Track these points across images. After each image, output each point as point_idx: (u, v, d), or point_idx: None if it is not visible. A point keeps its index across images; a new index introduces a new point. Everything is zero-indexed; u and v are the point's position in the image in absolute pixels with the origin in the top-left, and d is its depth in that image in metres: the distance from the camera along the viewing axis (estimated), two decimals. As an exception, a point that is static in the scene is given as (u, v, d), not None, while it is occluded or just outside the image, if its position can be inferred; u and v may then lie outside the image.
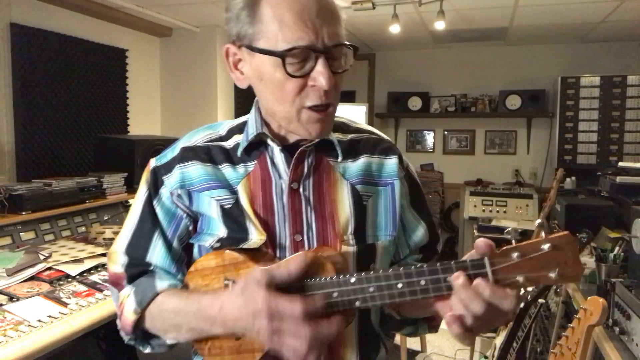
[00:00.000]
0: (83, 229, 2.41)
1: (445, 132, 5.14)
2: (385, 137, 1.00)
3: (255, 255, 0.82)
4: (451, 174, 5.09)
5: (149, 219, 0.89)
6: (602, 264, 1.77)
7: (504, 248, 0.65)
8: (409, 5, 3.37)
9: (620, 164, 2.90)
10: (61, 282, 1.78)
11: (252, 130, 0.88)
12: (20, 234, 2.14)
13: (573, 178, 3.14)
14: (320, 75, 0.77)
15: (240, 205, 0.85)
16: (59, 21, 3.01)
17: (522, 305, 1.90)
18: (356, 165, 0.91)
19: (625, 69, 4.27)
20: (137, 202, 0.92)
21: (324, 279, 0.73)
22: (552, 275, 0.63)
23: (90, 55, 3.20)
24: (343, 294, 0.71)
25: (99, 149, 3.00)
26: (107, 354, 2.14)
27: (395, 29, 3.53)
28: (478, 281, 0.65)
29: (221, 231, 0.85)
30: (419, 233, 0.96)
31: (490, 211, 4.49)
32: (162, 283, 0.85)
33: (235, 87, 4.37)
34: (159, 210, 0.89)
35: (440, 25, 3.40)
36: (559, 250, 0.63)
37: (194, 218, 0.89)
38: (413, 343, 3.31)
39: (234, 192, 0.86)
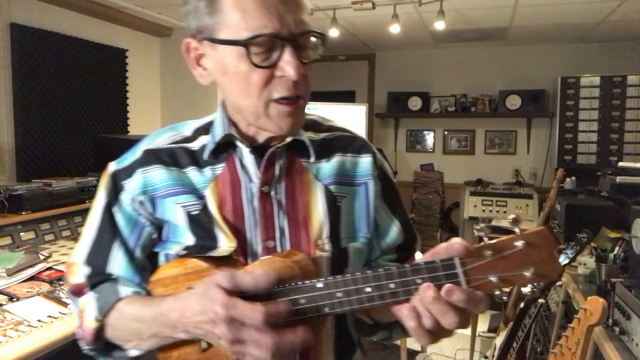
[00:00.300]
0: (83, 229, 2.41)
1: (445, 132, 5.14)
2: (359, 135, 0.95)
3: (222, 263, 0.77)
4: (451, 174, 5.09)
5: (108, 228, 0.83)
6: (602, 264, 1.77)
7: (475, 246, 0.62)
8: (409, 5, 3.37)
9: (620, 164, 2.90)
10: (61, 282, 1.78)
11: (219, 131, 0.83)
12: (20, 234, 2.14)
13: (573, 178, 3.15)
14: (287, 64, 0.73)
15: (208, 211, 0.80)
16: (59, 21, 3.01)
17: (522, 305, 1.90)
18: (329, 165, 0.86)
19: (625, 69, 4.27)
20: (96, 210, 0.86)
21: (291, 284, 0.69)
22: (527, 274, 0.60)
23: (90, 55, 3.20)
24: (311, 300, 0.67)
25: (99, 149, 3.00)
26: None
27: (395, 29, 3.53)
28: (450, 288, 0.61)
29: (188, 239, 0.80)
30: (393, 233, 0.90)
31: (490, 211, 4.49)
32: (125, 289, 0.80)
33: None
34: (119, 218, 0.83)
35: (440, 25, 3.40)
36: (533, 248, 0.60)
37: (158, 226, 0.84)
38: (413, 343, 3.31)
39: (201, 198, 0.81)
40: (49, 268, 1.87)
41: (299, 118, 0.79)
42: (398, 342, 3.00)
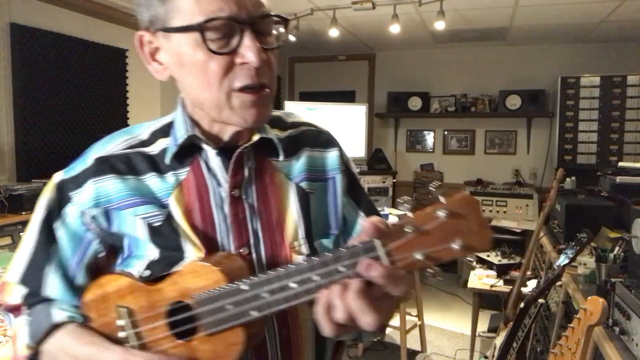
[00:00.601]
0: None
1: (445, 132, 5.14)
2: (324, 128, 0.91)
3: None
4: (451, 174, 5.09)
5: (45, 247, 0.76)
6: (602, 264, 1.77)
7: (395, 223, 0.56)
8: (409, 5, 3.37)
9: (620, 164, 2.90)
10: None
11: (181, 133, 0.76)
12: (20, 234, 2.14)
13: (573, 178, 3.14)
14: (248, 49, 0.67)
15: (173, 221, 0.74)
16: (59, 21, 3.01)
17: (522, 305, 1.90)
18: (298, 163, 0.82)
19: (625, 69, 4.27)
20: (33, 224, 0.78)
21: (214, 290, 0.65)
22: (456, 246, 0.53)
23: (90, 55, 3.20)
24: (237, 305, 0.63)
25: (99, 149, 3.00)
26: None
27: (395, 29, 3.53)
28: (369, 263, 0.55)
29: (152, 252, 0.74)
30: (359, 226, 0.86)
31: (490, 211, 4.49)
32: (59, 314, 0.75)
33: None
34: (60, 235, 0.76)
35: (440, 25, 3.40)
36: (458, 217, 0.53)
37: (113, 243, 0.77)
38: (413, 343, 3.31)
39: (163, 207, 0.74)
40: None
41: (265, 108, 0.73)
42: (398, 342, 3.00)
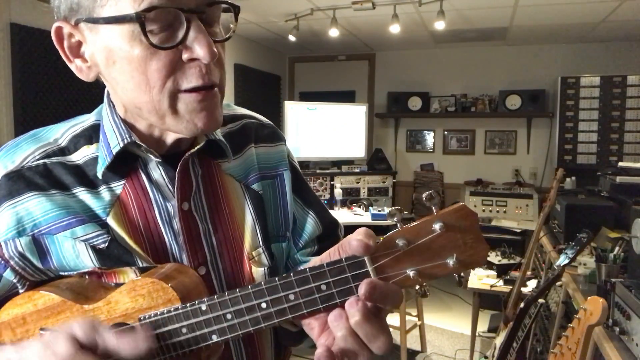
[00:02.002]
0: None
1: (445, 132, 5.15)
2: (265, 120, 0.82)
3: (85, 289, 0.62)
4: (451, 174, 5.09)
5: None
6: (602, 264, 1.77)
7: (387, 236, 0.51)
8: (409, 5, 3.37)
9: (620, 164, 2.91)
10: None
11: (114, 140, 0.64)
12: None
13: (573, 178, 3.15)
14: (196, 43, 0.57)
15: (121, 242, 0.63)
16: (59, 21, 3.01)
17: (522, 305, 1.90)
18: (244, 161, 0.74)
19: (625, 69, 4.27)
20: None
21: (167, 310, 0.56)
22: (450, 262, 0.49)
23: (90, 55, 3.20)
24: (194, 329, 0.55)
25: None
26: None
27: (395, 29, 3.53)
28: (372, 283, 0.50)
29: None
30: (309, 226, 0.80)
31: (490, 211, 4.49)
32: None
33: (235, 84, 4.38)
34: None
35: (440, 25, 3.40)
36: (454, 230, 0.49)
37: (36, 280, 0.63)
38: (413, 343, 3.32)
39: (103, 226, 0.63)
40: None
41: (217, 110, 0.62)
42: (398, 342, 3.01)
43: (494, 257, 3.28)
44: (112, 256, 0.63)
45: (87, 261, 0.62)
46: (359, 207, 4.12)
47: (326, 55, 5.43)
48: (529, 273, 2.73)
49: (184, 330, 0.55)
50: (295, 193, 0.80)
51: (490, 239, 0.58)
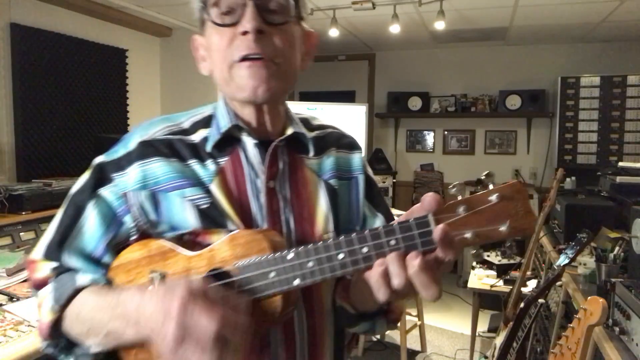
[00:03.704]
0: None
1: (445, 132, 5.15)
2: (347, 132, 0.96)
3: (184, 245, 0.73)
4: (451, 174, 5.09)
5: (71, 224, 0.77)
6: (602, 264, 1.77)
7: (450, 202, 0.60)
8: (409, 5, 3.37)
9: (620, 164, 2.91)
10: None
11: (224, 122, 0.79)
12: (20, 234, 2.14)
13: (573, 178, 3.14)
14: (244, 19, 0.71)
15: (218, 205, 0.75)
16: (59, 21, 3.01)
17: (522, 305, 1.90)
18: (327, 161, 0.86)
19: (625, 69, 4.27)
20: (64, 203, 0.79)
21: (259, 257, 0.66)
22: (503, 228, 0.57)
23: (90, 55, 3.20)
24: (281, 273, 0.64)
25: (99, 149, 2.97)
26: (107, 353, 2.14)
27: (395, 29, 3.53)
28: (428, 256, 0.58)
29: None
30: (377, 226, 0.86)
31: (490, 211, 4.49)
32: (83, 278, 0.74)
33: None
34: (93, 216, 0.76)
35: (440, 25, 3.40)
36: (508, 201, 0.58)
37: (145, 230, 0.76)
38: (413, 343, 3.31)
39: (207, 192, 0.75)
40: (49, 268, 1.87)
41: (267, 79, 0.73)
42: (398, 342, 3.00)
43: (494, 257, 3.28)
44: (210, 217, 0.74)
45: (191, 218, 0.74)
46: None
47: (326, 55, 5.43)
48: (529, 273, 2.73)
49: (272, 274, 0.64)
50: (367, 198, 0.90)
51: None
